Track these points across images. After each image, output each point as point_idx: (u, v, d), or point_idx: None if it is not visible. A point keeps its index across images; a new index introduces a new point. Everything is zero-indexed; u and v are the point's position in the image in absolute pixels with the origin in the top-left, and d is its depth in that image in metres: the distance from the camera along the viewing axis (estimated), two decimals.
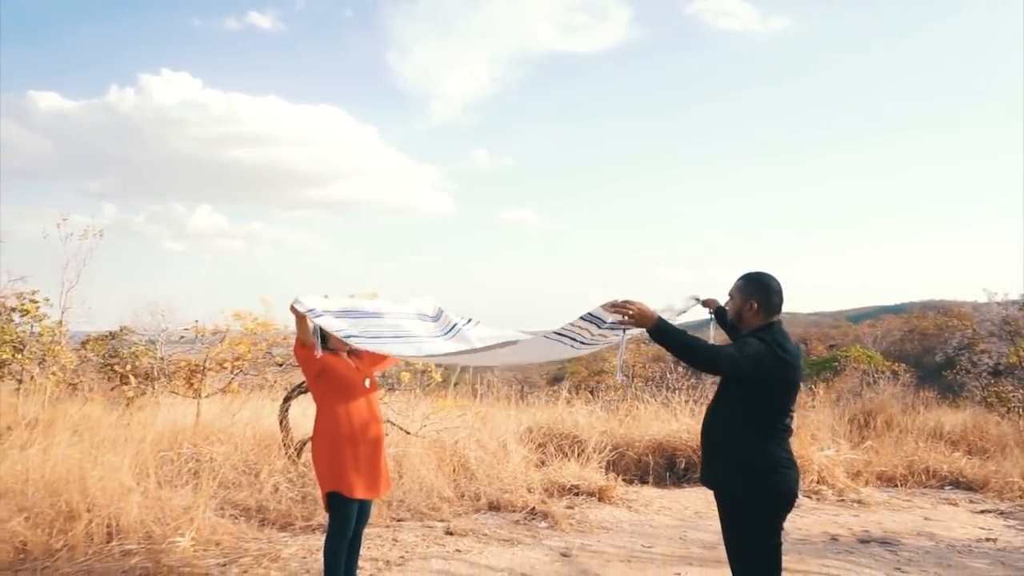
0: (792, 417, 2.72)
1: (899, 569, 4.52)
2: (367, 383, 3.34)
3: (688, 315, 3.44)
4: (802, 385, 12.15)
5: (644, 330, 2.58)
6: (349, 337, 3.13)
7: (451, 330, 3.45)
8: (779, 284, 2.72)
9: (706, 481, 2.82)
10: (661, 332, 2.51)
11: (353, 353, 3.41)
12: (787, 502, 2.64)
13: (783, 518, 2.68)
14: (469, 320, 3.40)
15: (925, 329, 32.83)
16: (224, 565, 3.67)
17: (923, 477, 7.50)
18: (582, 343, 2.87)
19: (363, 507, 3.36)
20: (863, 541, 5.13)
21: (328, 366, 3.24)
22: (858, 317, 50.89)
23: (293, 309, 3.18)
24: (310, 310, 3.14)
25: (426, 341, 3.36)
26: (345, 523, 3.22)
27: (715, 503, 2.79)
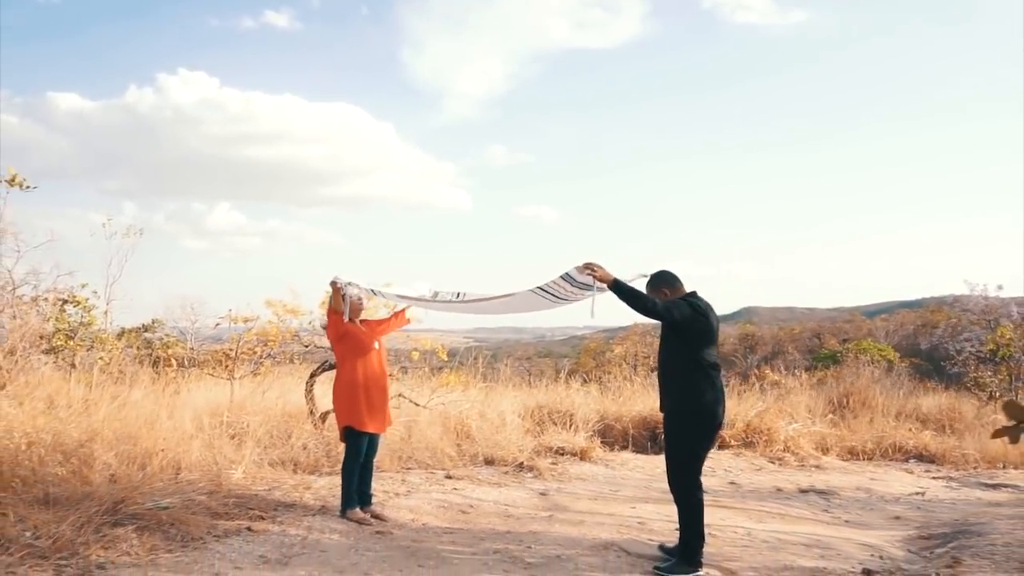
0: (717, 358, 3.77)
1: (826, 511, 5.34)
2: (376, 345, 4.37)
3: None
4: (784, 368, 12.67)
5: (606, 286, 3.62)
6: (375, 292, 4.33)
7: (447, 303, 4.44)
8: (670, 271, 3.85)
9: (661, 408, 3.84)
10: (618, 286, 3.61)
11: (364, 322, 4.45)
12: (713, 420, 3.65)
13: (710, 438, 3.72)
14: (459, 294, 4.37)
15: (938, 323, 32.84)
16: (269, 490, 4.65)
17: (889, 451, 8.18)
18: (559, 298, 3.97)
19: (372, 440, 4.35)
20: (803, 491, 5.96)
21: (349, 330, 4.30)
22: (875, 313, 50.78)
23: (333, 283, 4.24)
24: (348, 283, 4.24)
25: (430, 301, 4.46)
26: (357, 449, 4.24)
27: None
